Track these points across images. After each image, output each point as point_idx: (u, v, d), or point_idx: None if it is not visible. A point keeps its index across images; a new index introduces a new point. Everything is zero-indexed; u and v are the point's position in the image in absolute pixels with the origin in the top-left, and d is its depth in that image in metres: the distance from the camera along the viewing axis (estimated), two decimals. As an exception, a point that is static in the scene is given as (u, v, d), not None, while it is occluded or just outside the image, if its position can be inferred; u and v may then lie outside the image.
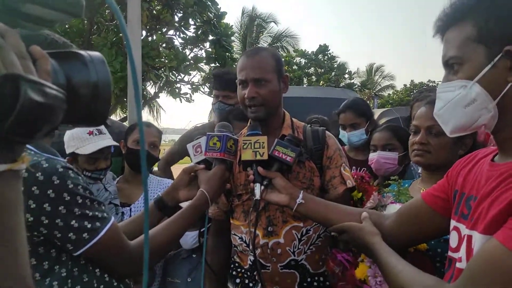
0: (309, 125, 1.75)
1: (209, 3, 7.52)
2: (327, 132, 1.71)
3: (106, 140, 2.03)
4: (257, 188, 1.37)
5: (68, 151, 1.98)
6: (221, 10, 7.66)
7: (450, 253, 0.99)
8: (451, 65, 0.90)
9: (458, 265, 0.90)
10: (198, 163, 1.47)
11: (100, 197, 2.02)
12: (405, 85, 29.47)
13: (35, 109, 0.42)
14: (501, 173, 0.84)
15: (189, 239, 1.98)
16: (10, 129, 0.41)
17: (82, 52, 0.56)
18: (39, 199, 0.92)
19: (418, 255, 1.29)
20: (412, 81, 30.59)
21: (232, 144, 1.43)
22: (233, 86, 2.67)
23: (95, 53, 0.56)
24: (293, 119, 1.73)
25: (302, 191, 1.37)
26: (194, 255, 2.08)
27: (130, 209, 2.12)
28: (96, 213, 1.01)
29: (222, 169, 1.43)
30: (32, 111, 0.41)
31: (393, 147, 2.03)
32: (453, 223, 0.99)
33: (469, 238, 0.87)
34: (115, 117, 10.28)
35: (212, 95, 2.82)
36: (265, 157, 1.38)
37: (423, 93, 2.40)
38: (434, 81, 28.44)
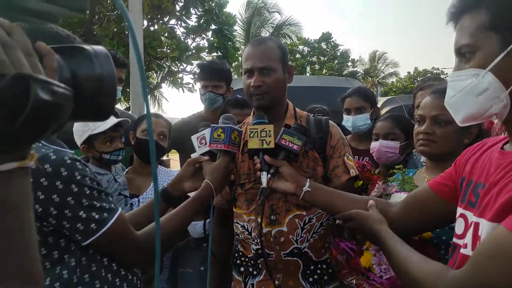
0: (312, 114, 1.75)
1: (210, -9, 7.47)
2: (330, 121, 1.71)
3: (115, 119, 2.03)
4: (264, 177, 1.38)
5: (82, 138, 1.97)
6: (223, 0, 7.61)
7: (455, 240, 1.00)
8: (463, 54, 0.89)
9: (462, 251, 0.91)
10: (203, 154, 1.48)
11: (110, 188, 2.02)
12: (408, 72, 29.22)
13: (44, 109, 0.42)
14: (510, 162, 0.84)
15: (198, 228, 2.00)
16: (20, 129, 0.41)
17: (87, 46, 0.55)
18: (48, 190, 0.93)
19: (422, 244, 1.30)
20: (416, 68, 30.34)
21: (236, 136, 1.43)
22: (221, 76, 2.68)
23: (99, 47, 0.56)
24: (296, 108, 1.73)
25: (308, 179, 1.38)
26: (204, 244, 2.11)
27: (139, 200, 2.13)
28: (104, 204, 1.02)
29: (227, 161, 1.43)
30: (42, 111, 0.41)
31: (395, 136, 2.03)
32: (459, 210, 0.99)
33: (476, 225, 0.87)
34: (120, 106, 10.29)
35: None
36: (272, 145, 1.38)
37: (427, 82, 2.39)
38: (438, 68, 28.20)
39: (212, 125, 1.46)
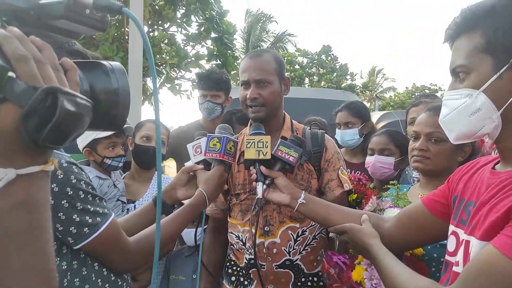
0: (308, 127, 1.76)
1: (212, 0, 7.53)
2: (326, 135, 1.73)
3: None
4: (259, 187, 1.38)
5: (85, 142, 1.99)
6: (224, 9, 7.67)
7: (447, 257, 1.00)
8: (458, 74, 0.91)
9: (455, 268, 0.92)
10: (197, 163, 1.49)
11: (110, 194, 2.03)
12: (406, 87, 29.47)
13: (69, 118, 0.46)
14: (501, 181, 0.85)
15: (193, 236, 2.00)
16: (46, 137, 0.45)
17: (105, 62, 0.61)
18: None
19: (413, 260, 1.30)
20: (414, 83, 30.65)
21: (231, 146, 1.44)
22: (220, 85, 2.70)
23: (116, 63, 0.61)
24: (293, 121, 1.74)
25: (303, 192, 1.39)
26: (197, 252, 2.10)
27: (135, 206, 2.12)
28: (97, 208, 1.03)
29: (221, 170, 1.43)
30: (67, 120, 0.46)
31: (390, 152, 2.05)
32: (451, 227, 1.00)
33: (467, 243, 0.88)
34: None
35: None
36: (268, 156, 1.39)
37: (420, 98, 2.43)
38: (436, 84, 28.49)
39: (208, 134, 1.46)
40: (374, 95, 26.97)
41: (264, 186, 1.39)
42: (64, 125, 0.46)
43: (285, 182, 1.39)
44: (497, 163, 0.95)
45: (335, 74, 25.04)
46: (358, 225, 1.23)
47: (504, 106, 0.84)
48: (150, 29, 7.42)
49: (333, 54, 25.83)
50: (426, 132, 1.45)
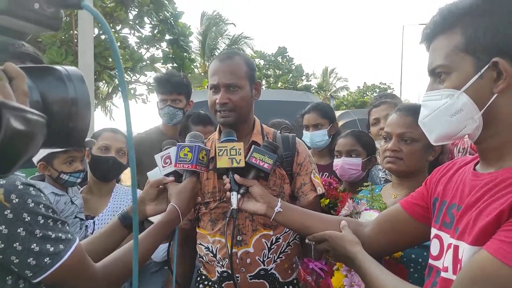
0: (278, 131, 1.72)
1: (166, 1, 7.36)
2: (297, 138, 1.69)
3: None
4: (234, 197, 1.31)
5: (39, 156, 1.83)
6: (178, 10, 7.53)
7: (431, 261, 0.99)
8: (438, 74, 0.89)
9: (443, 274, 0.90)
10: (167, 175, 1.38)
11: (67, 211, 1.88)
12: (358, 86, 30.60)
13: (17, 139, 0.37)
14: (485, 183, 0.84)
15: (160, 251, 1.89)
16: None
17: (59, 67, 0.51)
18: None
19: (392, 263, 1.29)
20: (365, 82, 31.87)
21: (204, 155, 1.35)
22: (180, 89, 2.60)
23: (73, 68, 0.53)
24: (263, 125, 1.69)
25: (280, 200, 1.33)
26: (166, 267, 1.99)
27: (94, 222, 1.98)
28: (60, 234, 0.92)
29: (194, 182, 1.35)
30: (15, 142, 0.37)
31: (357, 153, 2.05)
32: (434, 231, 0.99)
33: (456, 248, 0.87)
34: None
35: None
36: (242, 164, 1.33)
37: (379, 99, 2.47)
38: (385, 83, 29.78)
39: (178, 143, 1.37)
40: (329, 94, 27.66)
41: (239, 196, 1.32)
42: (12, 148, 0.37)
43: (260, 190, 1.33)
44: (477, 163, 0.94)
45: (290, 75, 25.46)
46: (338, 232, 1.20)
47: (486, 106, 0.83)
48: (101, 31, 7.11)
49: (288, 56, 26.25)
50: (397, 133, 1.45)
